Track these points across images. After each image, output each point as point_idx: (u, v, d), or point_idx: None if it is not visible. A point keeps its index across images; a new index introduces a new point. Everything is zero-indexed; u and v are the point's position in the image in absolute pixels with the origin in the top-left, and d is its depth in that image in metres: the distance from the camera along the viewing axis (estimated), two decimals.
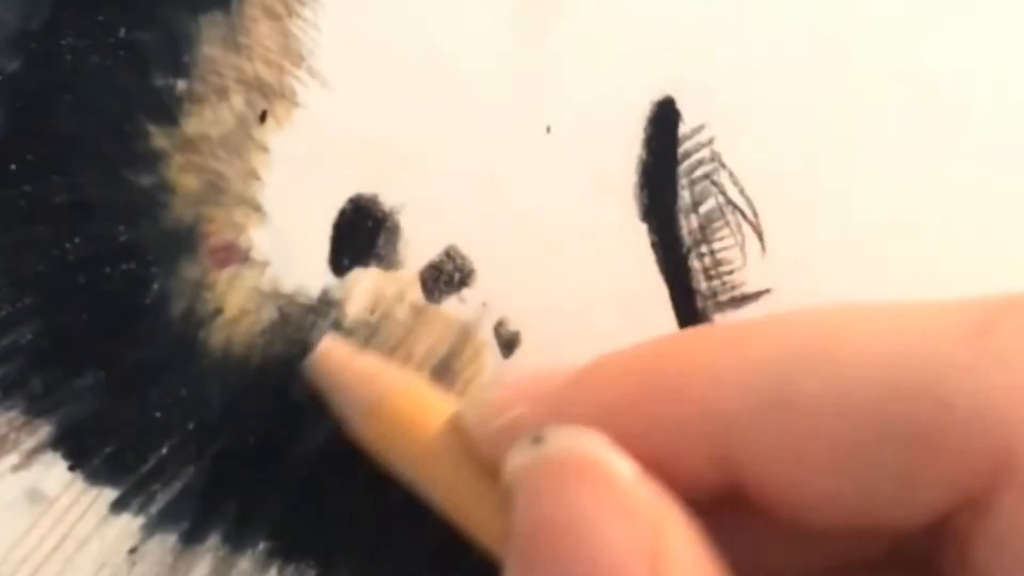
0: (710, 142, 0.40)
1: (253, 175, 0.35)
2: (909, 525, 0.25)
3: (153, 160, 0.34)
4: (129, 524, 0.35)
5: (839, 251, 0.41)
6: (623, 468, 0.26)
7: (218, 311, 0.35)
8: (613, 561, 0.24)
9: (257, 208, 0.35)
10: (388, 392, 0.32)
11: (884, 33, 0.41)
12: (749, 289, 0.40)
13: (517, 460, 0.26)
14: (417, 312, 0.37)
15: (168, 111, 0.34)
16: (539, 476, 0.26)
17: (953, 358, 0.24)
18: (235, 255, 0.35)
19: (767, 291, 0.41)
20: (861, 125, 0.41)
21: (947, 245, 0.42)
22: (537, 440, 0.26)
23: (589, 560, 0.24)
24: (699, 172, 0.40)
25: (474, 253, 0.38)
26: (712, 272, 0.40)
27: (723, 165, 0.40)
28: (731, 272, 0.40)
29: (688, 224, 0.40)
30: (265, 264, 0.36)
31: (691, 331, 0.35)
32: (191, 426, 0.35)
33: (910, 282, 0.41)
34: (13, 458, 0.34)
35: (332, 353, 0.34)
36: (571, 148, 0.38)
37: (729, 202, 0.40)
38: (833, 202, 0.41)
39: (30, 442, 0.34)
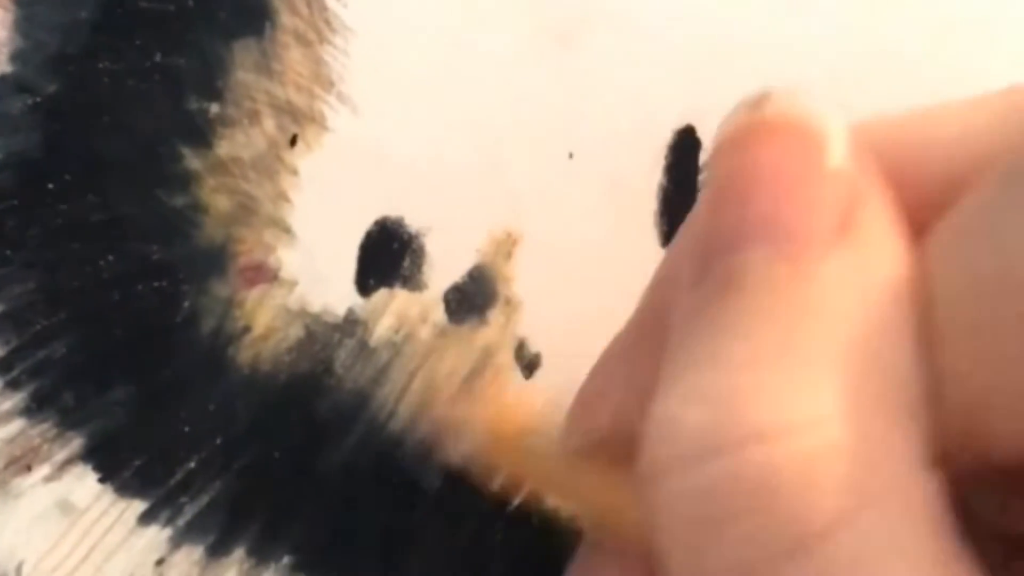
0: None
1: (283, 197, 0.35)
2: None
3: (186, 181, 0.35)
4: (157, 536, 0.35)
5: None
6: (838, 141, 0.24)
7: (247, 329, 0.35)
8: (800, 212, 0.23)
9: (287, 229, 0.36)
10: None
11: (904, 70, 0.41)
12: None
13: (730, 121, 0.25)
14: (440, 333, 0.37)
15: (201, 134, 0.34)
16: (745, 132, 0.24)
17: None
18: (264, 275, 0.35)
19: None
20: None
21: None
22: (758, 104, 0.25)
23: (775, 206, 0.23)
24: None
25: (496, 276, 0.38)
26: None
27: None
28: None
29: None
30: (293, 284, 0.36)
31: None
32: (219, 441, 0.35)
33: None
34: (45, 469, 0.34)
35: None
36: (593, 174, 0.39)
37: None
38: None
39: (62, 454, 0.34)
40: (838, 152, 0.24)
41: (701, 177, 0.38)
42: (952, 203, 0.23)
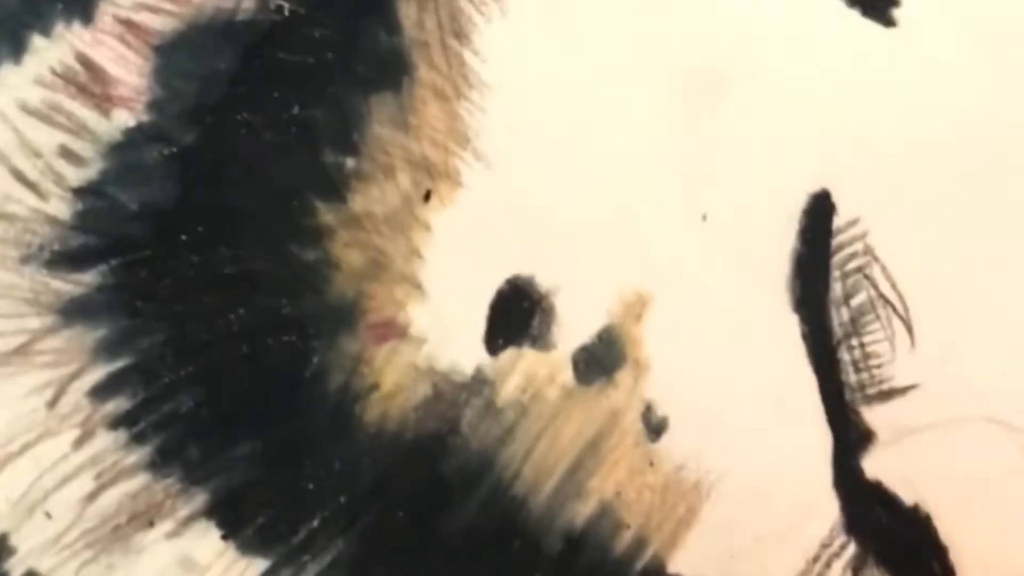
0: (864, 235, 0.38)
1: (415, 253, 0.35)
2: None
3: (319, 235, 0.34)
4: None
5: (989, 348, 0.40)
6: None
7: (375, 386, 0.34)
8: None
9: (417, 286, 0.35)
10: None
11: None
12: (897, 383, 0.39)
13: None
14: (567, 394, 0.36)
15: (336, 188, 0.34)
16: None
17: None
18: (394, 331, 0.35)
19: (915, 386, 0.39)
20: (1016, 221, 0.40)
21: None
22: None
23: None
24: (852, 265, 0.38)
25: (626, 337, 0.37)
26: (861, 365, 0.39)
27: (876, 259, 0.39)
28: (880, 365, 0.39)
29: (839, 316, 0.39)
30: (422, 341, 0.35)
31: None
32: (343, 499, 0.34)
33: None
34: (168, 525, 0.33)
35: None
36: (726, 236, 0.37)
37: (880, 296, 0.39)
38: (985, 298, 0.40)
39: (185, 510, 0.33)
40: None
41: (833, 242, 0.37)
42: None
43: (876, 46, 0.39)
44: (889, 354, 0.39)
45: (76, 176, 0.32)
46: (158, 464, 0.33)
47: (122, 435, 0.33)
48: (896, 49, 0.39)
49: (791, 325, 0.38)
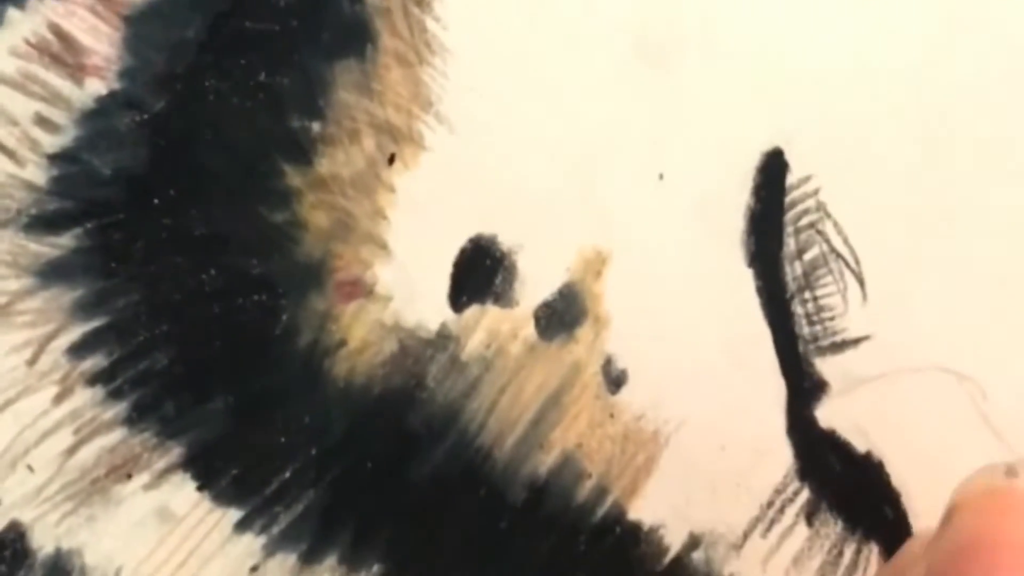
0: (816, 192, 0.39)
1: (381, 214, 0.35)
2: None
3: (287, 198, 0.34)
4: (252, 543, 0.35)
5: (938, 299, 0.40)
6: None
7: (342, 342, 0.35)
8: None
9: (383, 246, 0.35)
10: None
11: (993, 91, 0.41)
12: (849, 335, 0.40)
13: (980, 482, 0.26)
14: (530, 349, 0.37)
15: (303, 151, 0.34)
16: (999, 499, 0.25)
17: None
18: (360, 290, 0.35)
19: (867, 337, 0.40)
20: (964, 178, 0.40)
21: None
22: (1011, 472, 0.26)
23: None
24: (805, 221, 0.39)
25: (586, 293, 0.38)
26: (814, 317, 0.40)
27: (828, 215, 0.39)
28: (832, 318, 0.40)
29: (792, 271, 0.39)
30: (388, 299, 0.36)
31: None
32: (313, 451, 0.35)
33: (1007, 333, 0.41)
34: (145, 477, 0.34)
35: None
36: (683, 194, 0.38)
37: (833, 250, 0.40)
38: (934, 251, 0.40)
39: (161, 463, 0.34)
40: None
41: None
42: None
43: (828, 7, 0.39)
44: (841, 307, 0.40)
45: (51, 143, 0.33)
46: (134, 419, 0.34)
47: (99, 391, 0.33)
48: (848, 9, 0.39)
49: (746, 280, 0.39)
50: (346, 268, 0.35)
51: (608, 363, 0.38)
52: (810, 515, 0.40)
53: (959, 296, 0.41)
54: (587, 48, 0.37)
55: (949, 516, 0.26)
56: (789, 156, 0.39)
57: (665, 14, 0.38)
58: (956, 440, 0.41)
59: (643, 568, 0.39)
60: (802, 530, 0.40)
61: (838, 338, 0.40)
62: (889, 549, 0.40)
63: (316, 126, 0.35)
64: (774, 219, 0.39)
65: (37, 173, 0.33)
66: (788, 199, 0.39)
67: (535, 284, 0.37)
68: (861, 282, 0.40)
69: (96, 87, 0.33)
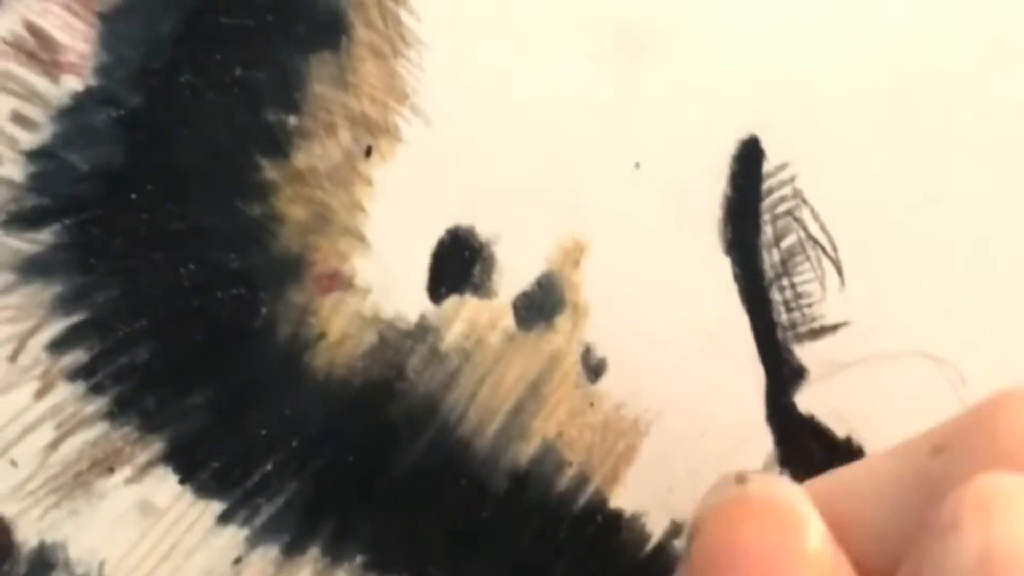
0: (792, 179, 0.39)
1: (358, 207, 0.35)
2: None
3: (264, 191, 0.34)
4: (234, 536, 0.35)
5: (916, 285, 0.41)
6: (815, 523, 0.25)
7: (322, 335, 0.35)
8: None
9: (361, 238, 0.35)
10: None
11: (965, 77, 0.41)
12: (828, 321, 0.40)
13: (716, 495, 0.26)
14: (509, 339, 0.37)
15: (279, 145, 0.34)
16: (735, 508, 0.26)
17: None
18: (339, 282, 0.35)
19: (845, 324, 0.40)
20: (941, 165, 0.40)
21: None
22: (741, 480, 0.26)
23: None
24: (781, 208, 0.39)
25: (564, 283, 0.38)
26: (792, 304, 0.40)
27: (805, 202, 0.39)
28: (810, 305, 0.40)
29: (770, 258, 0.39)
30: (367, 291, 0.36)
31: None
32: (294, 443, 0.35)
33: (985, 317, 0.41)
34: (126, 471, 0.34)
35: None
36: (659, 183, 0.38)
37: (810, 237, 0.40)
38: (911, 237, 0.40)
39: (143, 456, 0.34)
40: (816, 534, 0.25)
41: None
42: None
43: None
44: (819, 293, 0.40)
45: (29, 140, 0.33)
46: (116, 413, 0.34)
47: (80, 386, 0.33)
48: None
49: (723, 267, 0.39)
50: (324, 261, 0.35)
51: (587, 352, 0.38)
52: None
53: (937, 281, 0.41)
54: (561, 40, 0.37)
55: (692, 536, 0.26)
56: (765, 144, 0.39)
57: (640, 2, 0.38)
58: (935, 423, 0.41)
59: (625, 555, 0.39)
60: None
61: (816, 324, 0.40)
62: None
63: (292, 119, 0.35)
64: (751, 207, 0.39)
65: (14, 170, 0.33)
66: (764, 187, 0.39)
67: (513, 274, 0.37)
68: (839, 268, 0.40)
69: (72, 84, 0.33)
